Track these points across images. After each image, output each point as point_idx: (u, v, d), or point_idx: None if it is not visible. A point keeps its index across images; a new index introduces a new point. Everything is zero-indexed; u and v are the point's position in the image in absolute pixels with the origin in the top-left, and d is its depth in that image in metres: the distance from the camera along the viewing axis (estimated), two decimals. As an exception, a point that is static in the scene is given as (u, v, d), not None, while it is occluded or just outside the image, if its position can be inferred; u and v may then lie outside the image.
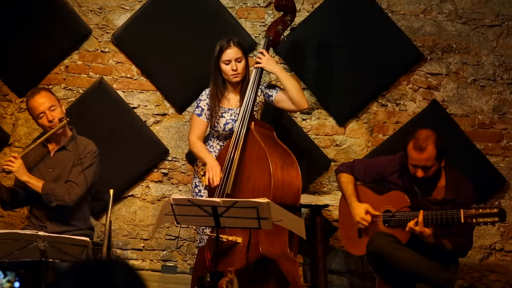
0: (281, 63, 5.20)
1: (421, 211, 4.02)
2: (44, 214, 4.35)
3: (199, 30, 5.16)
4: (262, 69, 4.44)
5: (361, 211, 4.27)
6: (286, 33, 4.60)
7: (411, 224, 4.03)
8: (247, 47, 5.02)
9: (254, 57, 4.68)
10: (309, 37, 5.14)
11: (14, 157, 4.20)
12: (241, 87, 4.45)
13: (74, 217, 4.39)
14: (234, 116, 4.43)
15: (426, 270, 4.05)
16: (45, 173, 4.37)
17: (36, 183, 4.25)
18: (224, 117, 4.45)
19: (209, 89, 4.52)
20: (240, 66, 4.39)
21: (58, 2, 5.19)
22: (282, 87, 4.49)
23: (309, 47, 5.15)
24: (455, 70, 5.15)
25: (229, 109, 4.46)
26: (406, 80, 5.17)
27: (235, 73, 4.38)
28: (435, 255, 4.12)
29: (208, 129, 4.60)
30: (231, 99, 4.49)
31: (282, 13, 4.57)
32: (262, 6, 5.19)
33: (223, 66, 4.40)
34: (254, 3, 5.21)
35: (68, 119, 4.32)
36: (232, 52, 4.39)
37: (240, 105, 4.39)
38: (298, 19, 5.16)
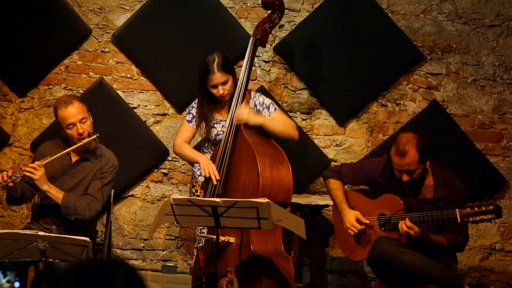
0: (280, 63, 5.20)
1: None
2: (53, 217, 4.32)
3: (199, 30, 5.16)
4: (250, 72, 4.36)
5: (351, 217, 4.28)
6: (275, 31, 4.55)
7: (403, 229, 4.04)
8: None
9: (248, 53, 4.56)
10: (309, 37, 5.14)
11: (38, 165, 4.14)
12: (230, 99, 4.41)
13: (82, 226, 4.34)
14: (225, 128, 4.40)
15: (435, 271, 4.04)
16: (62, 180, 4.33)
17: (56, 194, 4.21)
18: (215, 127, 4.44)
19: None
20: (227, 87, 4.32)
21: (58, 2, 5.19)
22: (270, 130, 4.40)
23: (309, 47, 5.15)
24: (455, 70, 5.15)
25: (220, 120, 4.44)
26: (406, 80, 5.17)
27: (222, 95, 4.33)
28: (434, 252, 4.13)
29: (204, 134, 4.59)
30: (222, 110, 4.46)
31: (270, 11, 4.54)
32: (262, 6, 5.18)
33: (210, 88, 4.34)
34: (254, 3, 5.21)
35: (98, 134, 4.26)
36: (217, 78, 4.29)
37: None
38: (298, 19, 5.17)
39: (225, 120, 4.41)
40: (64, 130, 4.27)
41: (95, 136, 4.25)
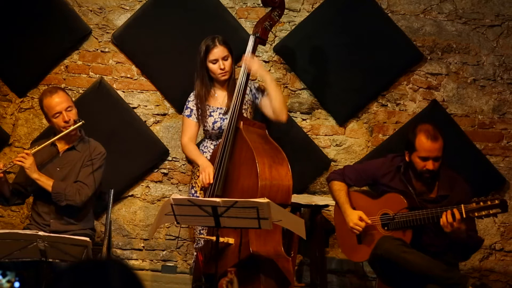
0: (281, 63, 5.20)
1: (462, 205, 3.95)
2: (48, 212, 4.38)
3: (199, 30, 5.15)
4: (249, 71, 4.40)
5: (354, 217, 4.27)
6: (275, 30, 4.55)
7: (449, 220, 3.95)
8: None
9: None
10: (309, 37, 5.14)
11: (27, 154, 4.22)
12: (227, 84, 4.45)
13: (78, 216, 4.41)
14: (223, 115, 4.43)
15: (438, 271, 4.03)
16: (52, 172, 4.38)
17: (47, 181, 4.28)
18: (212, 116, 4.46)
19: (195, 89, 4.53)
20: (227, 64, 4.40)
21: (58, 2, 5.19)
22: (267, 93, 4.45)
23: (309, 47, 5.15)
24: (455, 70, 5.15)
25: (217, 108, 4.47)
26: (406, 80, 5.17)
27: (223, 71, 4.40)
28: (436, 252, 4.13)
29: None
30: (219, 97, 4.49)
31: (270, 8, 4.54)
32: (262, 6, 5.17)
33: (210, 65, 4.41)
34: (254, 3, 5.21)
35: (83, 121, 4.34)
36: (219, 51, 4.39)
37: (229, 104, 4.38)
38: (298, 19, 5.17)
39: (222, 108, 4.43)
40: (51, 119, 4.37)
41: (81, 123, 4.34)
